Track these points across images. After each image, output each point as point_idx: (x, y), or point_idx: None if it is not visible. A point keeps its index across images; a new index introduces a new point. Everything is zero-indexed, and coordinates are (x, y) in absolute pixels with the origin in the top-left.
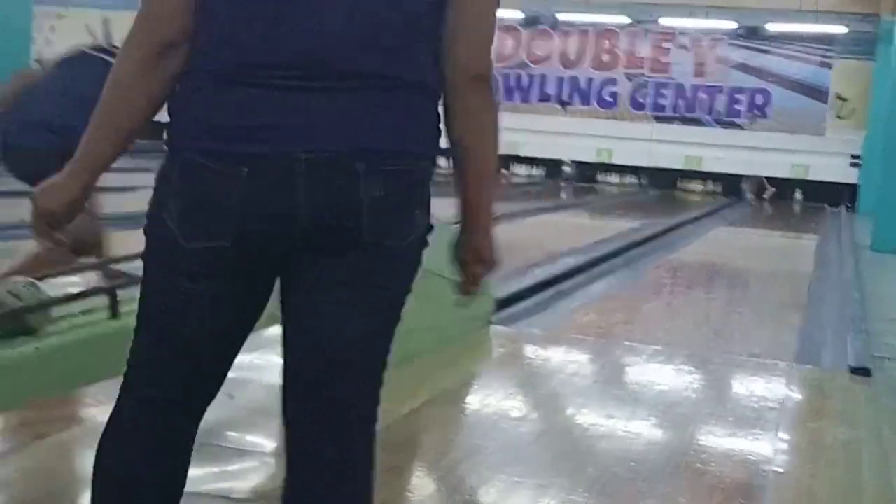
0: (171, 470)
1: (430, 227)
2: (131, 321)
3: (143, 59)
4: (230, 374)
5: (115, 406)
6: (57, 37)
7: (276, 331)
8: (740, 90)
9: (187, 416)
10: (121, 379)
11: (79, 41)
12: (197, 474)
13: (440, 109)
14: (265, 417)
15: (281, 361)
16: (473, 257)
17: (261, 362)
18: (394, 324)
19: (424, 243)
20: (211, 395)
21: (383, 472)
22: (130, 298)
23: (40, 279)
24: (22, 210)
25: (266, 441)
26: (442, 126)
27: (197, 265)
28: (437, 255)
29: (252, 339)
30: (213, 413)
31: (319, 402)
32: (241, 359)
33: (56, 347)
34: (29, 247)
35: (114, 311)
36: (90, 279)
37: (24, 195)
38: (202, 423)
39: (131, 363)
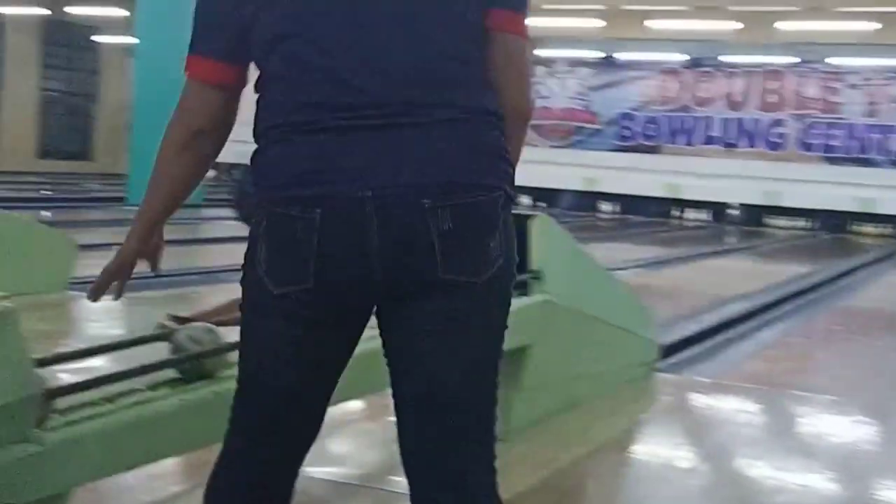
0: None
1: (510, 260)
2: None
3: (178, 143)
4: (391, 417)
5: (213, 468)
6: None
7: None
8: None
9: (286, 466)
10: None
11: (252, 95)
12: None
13: (503, 140)
14: None
15: None
16: None
17: None
18: (492, 362)
19: (508, 278)
20: (307, 443)
21: None
22: None
23: (217, 325)
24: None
25: None
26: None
27: (288, 311)
28: (602, 302)
29: None
30: (374, 456)
31: (438, 470)
32: None
33: (233, 392)
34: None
35: None
36: None
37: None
38: (364, 467)
39: (232, 420)
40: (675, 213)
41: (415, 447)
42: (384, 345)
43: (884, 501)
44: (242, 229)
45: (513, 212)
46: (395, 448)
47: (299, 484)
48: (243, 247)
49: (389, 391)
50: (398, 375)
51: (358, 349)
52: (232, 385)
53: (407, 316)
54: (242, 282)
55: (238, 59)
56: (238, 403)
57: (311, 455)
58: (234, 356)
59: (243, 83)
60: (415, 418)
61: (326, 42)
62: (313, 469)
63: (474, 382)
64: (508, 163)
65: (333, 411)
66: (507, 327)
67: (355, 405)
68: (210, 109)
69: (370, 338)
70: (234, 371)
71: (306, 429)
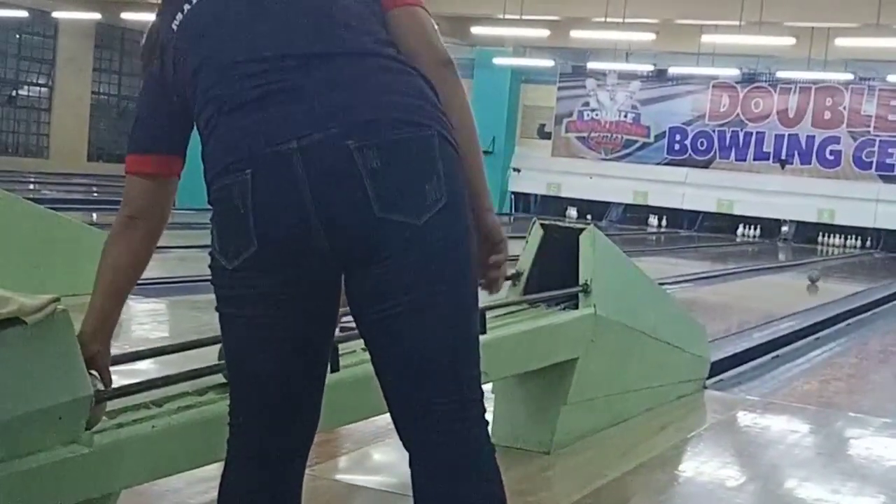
0: None
1: (455, 203)
2: (351, 373)
3: (115, 229)
4: None
5: (222, 473)
6: None
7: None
8: None
9: (289, 460)
10: (332, 433)
11: None
12: None
13: (429, 87)
14: None
15: None
16: (482, 241)
17: None
18: (463, 313)
19: (454, 220)
20: (307, 433)
21: None
22: (351, 352)
23: None
24: None
25: None
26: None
27: (247, 288)
28: (651, 317)
29: None
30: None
31: (421, 419)
32: None
33: None
34: None
35: (335, 364)
36: None
37: None
38: (406, 477)
39: (229, 421)
40: (740, 231)
41: (391, 398)
42: (355, 321)
43: None
44: None
45: (563, 225)
46: None
47: (342, 491)
48: None
49: None
50: (374, 349)
51: None
52: None
53: (360, 281)
54: (211, 281)
55: (167, 148)
56: (231, 402)
57: (353, 463)
58: None
59: (176, 171)
60: (392, 386)
61: (228, 40)
62: (356, 477)
63: (446, 334)
64: (434, 105)
65: (377, 420)
66: (466, 273)
67: None
68: (142, 198)
69: None
70: None
71: (302, 417)
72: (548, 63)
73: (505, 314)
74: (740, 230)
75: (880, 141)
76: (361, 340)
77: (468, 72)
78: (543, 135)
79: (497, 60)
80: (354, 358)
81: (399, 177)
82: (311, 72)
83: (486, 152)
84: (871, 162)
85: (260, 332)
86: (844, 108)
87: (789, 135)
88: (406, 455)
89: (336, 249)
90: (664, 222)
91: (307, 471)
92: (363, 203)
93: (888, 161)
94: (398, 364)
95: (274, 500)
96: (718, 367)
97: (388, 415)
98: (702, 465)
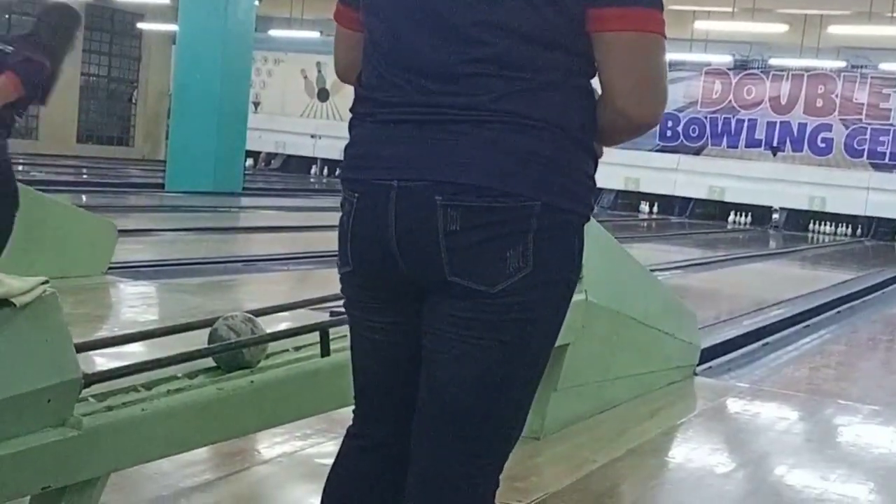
0: None
1: (542, 274)
2: (341, 358)
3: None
4: None
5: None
6: (273, 80)
7: None
8: None
9: (389, 454)
10: (330, 415)
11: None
12: None
13: (573, 154)
14: None
15: None
16: None
17: None
18: (505, 378)
19: (534, 292)
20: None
21: None
22: (342, 336)
23: (257, 315)
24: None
25: None
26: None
27: (351, 292)
28: (642, 304)
29: None
30: None
31: (423, 457)
32: None
33: (269, 382)
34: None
35: (325, 349)
36: (304, 316)
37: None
38: None
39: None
40: (731, 218)
41: (414, 445)
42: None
43: None
44: (280, 219)
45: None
46: None
47: None
48: (281, 236)
49: None
50: (423, 369)
51: None
52: (269, 376)
53: (429, 309)
54: None
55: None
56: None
57: None
58: (273, 346)
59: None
60: (417, 416)
61: (394, 27)
62: None
63: (476, 395)
64: (557, 172)
65: None
66: (539, 346)
67: None
68: (342, 49)
69: None
70: (272, 361)
71: (398, 418)
72: None
73: None
74: (731, 217)
75: (872, 129)
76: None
77: None
78: None
79: None
80: (345, 343)
81: (476, 243)
82: (446, 116)
83: None
84: (863, 150)
85: (365, 334)
86: (836, 95)
87: (781, 122)
88: None
89: (418, 285)
90: (656, 209)
91: (299, 454)
92: (436, 263)
93: (879, 149)
94: (425, 399)
95: (375, 491)
96: (709, 354)
97: None
98: (691, 452)
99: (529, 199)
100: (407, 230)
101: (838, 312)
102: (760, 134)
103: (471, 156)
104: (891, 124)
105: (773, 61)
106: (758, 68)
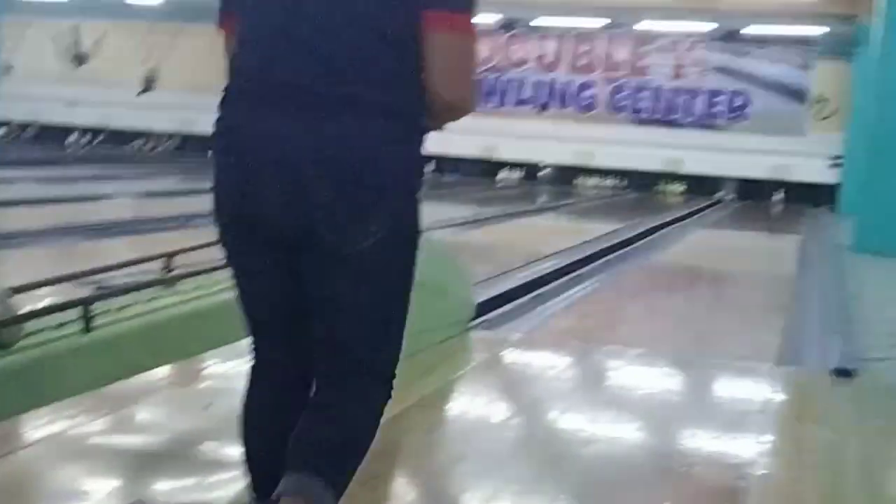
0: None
1: (396, 229)
2: (104, 334)
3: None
4: (207, 384)
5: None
6: (26, 45)
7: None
8: (719, 93)
9: (287, 377)
10: (99, 392)
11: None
12: (172, 486)
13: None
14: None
15: None
16: None
17: (237, 372)
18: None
19: (398, 244)
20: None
21: (363, 479)
22: (104, 311)
23: (17, 291)
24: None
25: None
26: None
27: (227, 240)
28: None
29: (229, 349)
30: (188, 424)
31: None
32: (217, 369)
33: (27, 362)
34: None
35: (87, 325)
36: (65, 292)
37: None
38: (175, 434)
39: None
40: (503, 175)
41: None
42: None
43: (687, 448)
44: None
45: None
46: (205, 415)
47: (105, 454)
48: (41, 209)
49: (199, 357)
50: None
51: (161, 317)
52: (28, 356)
53: (308, 265)
54: None
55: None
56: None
57: (115, 424)
58: (34, 325)
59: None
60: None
61: (264, 22)
62: (119, 438)
63: (369, 306)
64: (406, 150)
65: (144, 378)
66: (398, 285)
67: (164, 371)
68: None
69: (175, 304)
70: (32, 340)
71: (291, 339)
72: None
73: None
74: (503, 174)
75: (633, 86)
76: (116, 301)
77: None
78: None
79: None
80: (108, 318)
81: (341, 203)
82: (313, 100)
83: None
84: (625, 106)
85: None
86: (599, 53)
87: (548, 80)
88: (169, 415)
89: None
90: (431, 167)
91: (67, 434)
92: (314, 230)
93: (640, 105)
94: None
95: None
96: (484, 308)
97: (147, 374)
98: (468, 404)
99: (382, 166)
100: (281, 201)
101: (604, 262)
102: (528, 92)
103: (335, 133)
104: (650, 81)
105: (539, 21)
106: (524, 27)
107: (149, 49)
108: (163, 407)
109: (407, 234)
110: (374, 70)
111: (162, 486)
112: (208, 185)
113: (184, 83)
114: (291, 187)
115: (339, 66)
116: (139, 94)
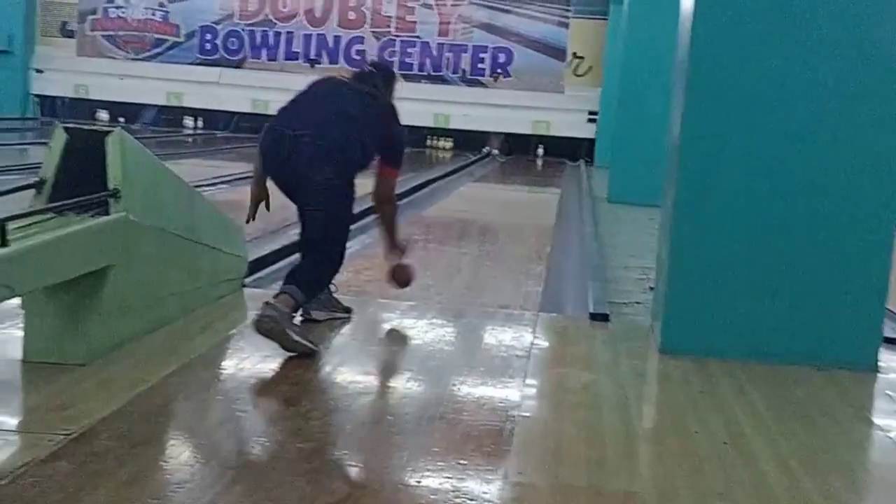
0: None
1: (336, 179)
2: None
3: None
4: None
5: None
6: None
7: (13, 304)
8: (484, 49)
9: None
10: None
11: None
12: None
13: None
14: (6, 393)
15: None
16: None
17: (3, 336)
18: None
19: (339, 184)
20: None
21: (136, 444)
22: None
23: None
24: None
25: (7, 419)
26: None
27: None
28: (185, 221)
29: None
30: None
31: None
32: None
33: None
34: None
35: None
36: None
37: None
38: None
39: None
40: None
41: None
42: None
43: (458, 395)
44: None
45: (88, 128)
46: None
47: None
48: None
49: None
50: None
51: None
52: None
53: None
54: None
55: None
56: None
57: None
58: None
59: None
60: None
61: (295, 114)
62: None
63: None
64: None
65: None
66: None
67: None
68: None
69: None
70: None
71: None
72: None
73: (29, 224)
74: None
75: (401, 41)
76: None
77: None
78: (66, 33)
79: None
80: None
81: (318, 162)
82: (312, 140)
83: (2, 52)
84: (394, 62)
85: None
86: (367, 8)
87: (317, 35)
88: None
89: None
90: (200, 124)
91: None
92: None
93: (408, 61)
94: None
95: None
96: (257, 266)
97: None
98: (242, 361)
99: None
100: (291, 151)
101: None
102: (298, 46)
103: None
104: (417, 37)
105: None
106: None
107: None
108: None
109: (345, 179)
110: (347, 152)
111: None
112: None
113: None
114: (298, 160)
115: (328, 133)
116: None
